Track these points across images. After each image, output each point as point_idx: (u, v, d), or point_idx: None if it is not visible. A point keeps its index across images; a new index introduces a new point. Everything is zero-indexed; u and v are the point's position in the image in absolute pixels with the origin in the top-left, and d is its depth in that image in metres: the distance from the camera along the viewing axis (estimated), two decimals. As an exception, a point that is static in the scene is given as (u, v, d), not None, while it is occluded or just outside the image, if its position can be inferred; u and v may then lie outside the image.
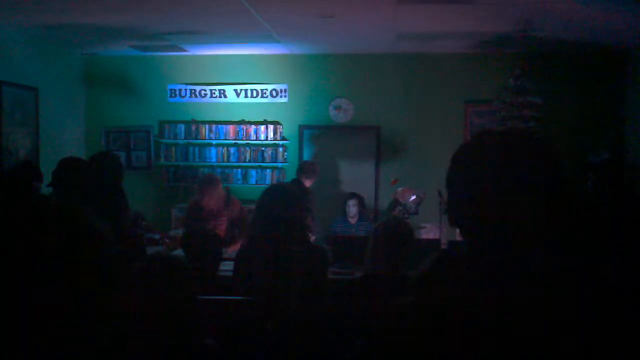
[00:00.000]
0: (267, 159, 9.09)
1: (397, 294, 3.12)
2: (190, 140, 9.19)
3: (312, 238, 7.15)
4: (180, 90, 9.21)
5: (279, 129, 9.07)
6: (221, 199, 6.37)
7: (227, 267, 4.25)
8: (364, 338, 1.54)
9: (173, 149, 9.24)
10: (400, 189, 7.30)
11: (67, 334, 1.25)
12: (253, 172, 9.12)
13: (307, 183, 7.35)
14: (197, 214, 6.30)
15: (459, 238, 6.82)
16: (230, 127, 9.11)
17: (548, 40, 7.62)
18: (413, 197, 7.03)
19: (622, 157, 8.18)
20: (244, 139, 9.09)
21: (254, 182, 9.07)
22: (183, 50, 8.68)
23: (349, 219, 7.35)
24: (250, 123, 9.10)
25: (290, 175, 8.86)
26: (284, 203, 3.41)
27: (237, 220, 6.50)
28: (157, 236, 6.78)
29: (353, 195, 7.48)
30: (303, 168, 7.53)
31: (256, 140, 9.09)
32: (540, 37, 7.35)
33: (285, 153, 9.08)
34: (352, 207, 7.34)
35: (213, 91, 9.17)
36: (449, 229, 6.87)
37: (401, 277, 3.45)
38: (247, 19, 6.69)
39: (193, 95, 9.20)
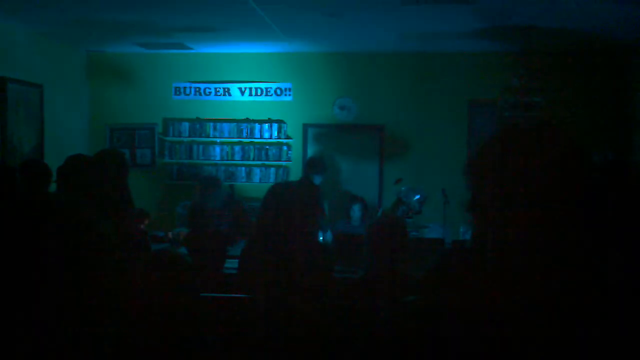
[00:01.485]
0: (271, 158, 9.10)
1: (396, 293, 3.11)
2: (195, 138, 9.20)
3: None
4: (184, 88, 9.22)
5: (283, 127, 9.09)
6: (222, 199, 6.39)
7: (231, 264, 4.26)
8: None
9: (177, 146, 9.25)
10: (404, 188, 7.29)
11: (68, 327, 1.26)
12: (257, 171, 9.13)
13: (317, 180, 7.21)
14: (199, 214, 6.31)
15: (462, 237, 6.83)
16: (235, 126, 9.12)
17: (551, 38, 7.60)
18: (417, 197, 7.03)
19: (629, 158, 8.15)
20: (248, 137, 9.11)
21: (257, 181, 9.08)
22: (188, 48, 8.69)
23: (353, 222, 7.30)
24: (255, 121, 9.11)
25: (294, 173, 8.87)
26: (289, 201, 3.41)
27: (238, 219, 6.50)
28: (161, 234, 6.80)
29: (358, 200, 7.40)
30: (311, 164, 7.42)
31: (260, 138, 9.10)
32: (543, 34, 7.34)
33: (289, 152, 9.09)
34: (357, 212, 7.29)
35: (217, 89, 9.18)
36: (453, 228, 6.87)
37: (399, 276, 3.45)
38: (252, 17, 6.70)
39: (197, 93, 9.21)
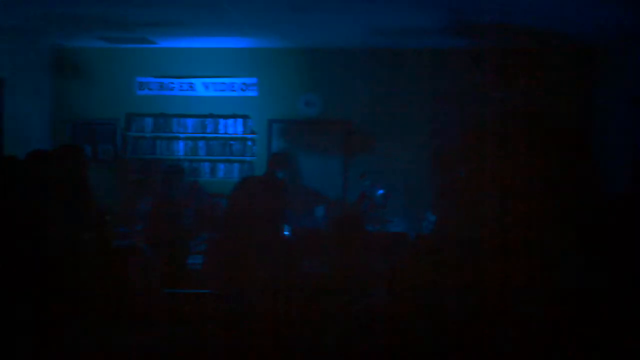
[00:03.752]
0: (236, 153, 9.07)
1: (360, 287, 3.13)
2: (158, 134, 9.13)
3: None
4: (148, 83, 9.14)
5: (248, 122, 9.06)
6: (186, 190, 6.36)
7: (194, 260, 4.24)
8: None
9: (140, 142, 9.17)
10: (367, 182, 7.34)
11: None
12: (221, 166, 9.09)
13: (280, 175, 7.29)
14: (163, 206, 6.26)
15: (425, 231, 6.87)
16: (199, 121, 9.07)
17: (517, 35, 7.68)
18: (381, 192, 7.09)
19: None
20: (212, 132, 9.06)
21: (222, 176, 9.04)
22: (151, 42, 8.61)
23: (316, 219, 7.39)
24: (219, 117, 9.07)
25: (258, 168, 8.84)
26: (257, 195, 3.41)
27: (203, 213, 6.48)
28: (125, 230, 6.74)
29: (322, 200, 7.52)
30: (274, 160, 7.51)
31: (225, 134, 9.06)
32: (509, 31, 7.42)
33: (254, 147, 9.07)
34: (321, 211, 7.41)
35: (182, 84, 9.12)
36: (415, 222, 6.93)
37: (362, 270, 3.46)
38: (217, 12, 6.66)
39: (161, 88, 9.14)
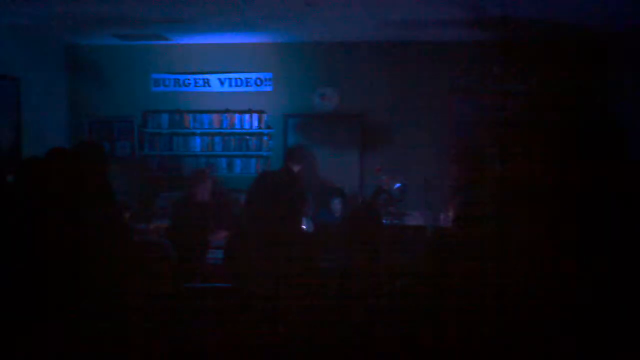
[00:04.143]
0: (252, 148, 9.09)
1: (380, 280, 3.13)
2: (175, 130, 9.16)
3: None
4: (164, 79, 9.17)
5: (264, 117, 9.07)
6: (209, 191, 6.44)
7: (214, 255, 4.27)
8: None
9: (157, 138, 9.21)
10: (384, 176, 7.35)
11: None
12: (238, 162, 9.12)
13: (296, 169, 7.37)
14: (186, 206, 6.33)
15: (443, 224, 6.87)
16: (215, 117, 9.10)
17: (532, 27, 7.65)
18: (397, 185, 7.09)
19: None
20: (229, 128, 9.09)
21: (238, 171, 9.07)
22: (166, 39, 8.63)
23: (334, 214, 7.41)
24: (235, 112, 9.09)
25: (274, 164, 8.86)
26: (275, 190, 3.42)
27: (221, 210, 6.53)
28: (143, 226, 6.78)
29: (337, 193, 7.53)
30: (291, 154, 7.56)
31: (241, 129, 9.08)
32: (524, 23, 7.38)
33: (270, 142, 9.08)
34: (338, 205, 7.44)
35: (197, 80, 9.14)
36: (434, 215, 6.92)
37: (382, 263, 3.47)
38: (230, 7, 6.67)
39: (177, 84, 9.17)
